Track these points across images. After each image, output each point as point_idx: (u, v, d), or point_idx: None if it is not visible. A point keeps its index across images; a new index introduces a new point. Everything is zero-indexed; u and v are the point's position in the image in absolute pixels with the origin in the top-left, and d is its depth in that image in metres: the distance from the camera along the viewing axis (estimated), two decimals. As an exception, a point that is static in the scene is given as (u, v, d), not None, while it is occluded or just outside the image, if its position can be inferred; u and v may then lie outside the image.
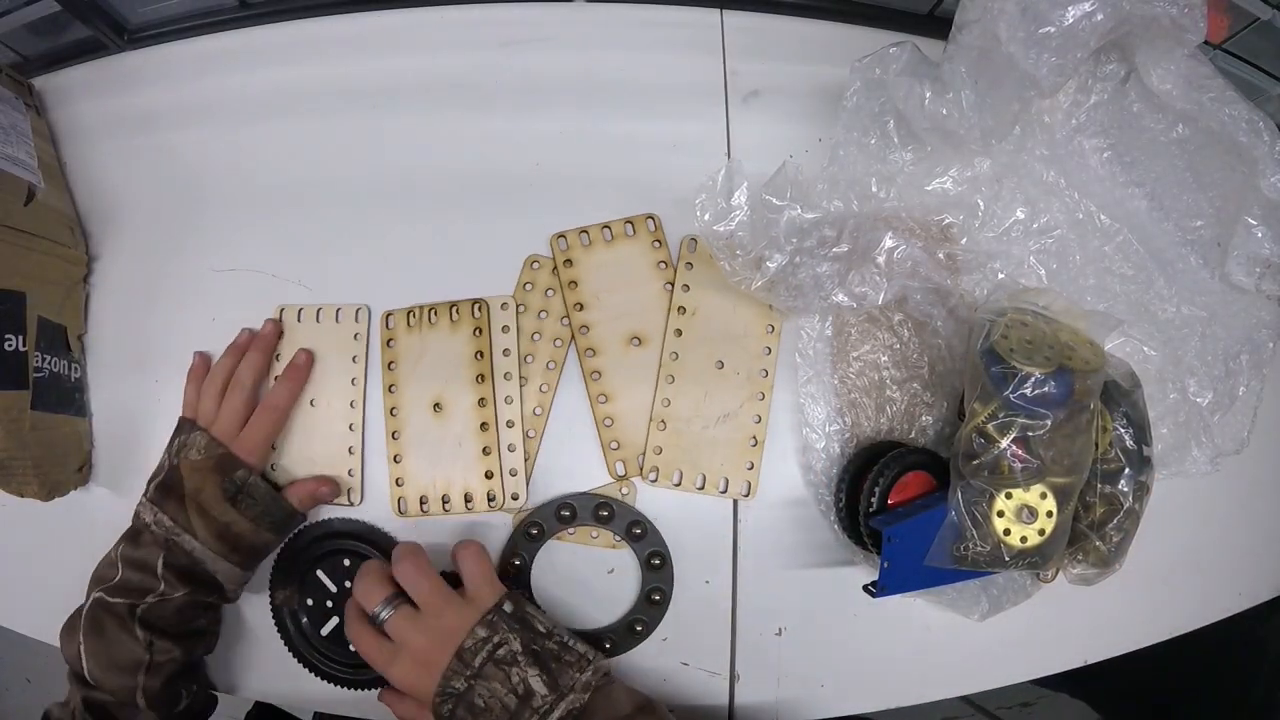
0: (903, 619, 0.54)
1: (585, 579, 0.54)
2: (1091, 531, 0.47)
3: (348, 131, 0.58)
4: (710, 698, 0.54)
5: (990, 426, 0.44)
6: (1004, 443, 0.44)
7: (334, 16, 0.60)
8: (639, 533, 0.53)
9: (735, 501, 0.54)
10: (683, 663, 0.54)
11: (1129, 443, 0.47)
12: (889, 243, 0.49)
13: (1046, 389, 0.43)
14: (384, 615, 0.46)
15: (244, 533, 0.50)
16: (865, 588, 0.47)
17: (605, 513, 0.53)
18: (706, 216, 0.50)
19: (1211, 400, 0.54)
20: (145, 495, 0.51)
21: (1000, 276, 0.53)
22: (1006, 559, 0.44)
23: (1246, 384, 0.54)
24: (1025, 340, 0.45)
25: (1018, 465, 0.44)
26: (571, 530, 0.53)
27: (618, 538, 0.53)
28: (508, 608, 0.46)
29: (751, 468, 0.53)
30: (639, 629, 0.53)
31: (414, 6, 0.60)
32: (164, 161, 0.59)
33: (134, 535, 0.50)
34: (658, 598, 0.53)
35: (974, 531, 0.44)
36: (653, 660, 0.54)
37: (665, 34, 0.59)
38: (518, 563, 0.53)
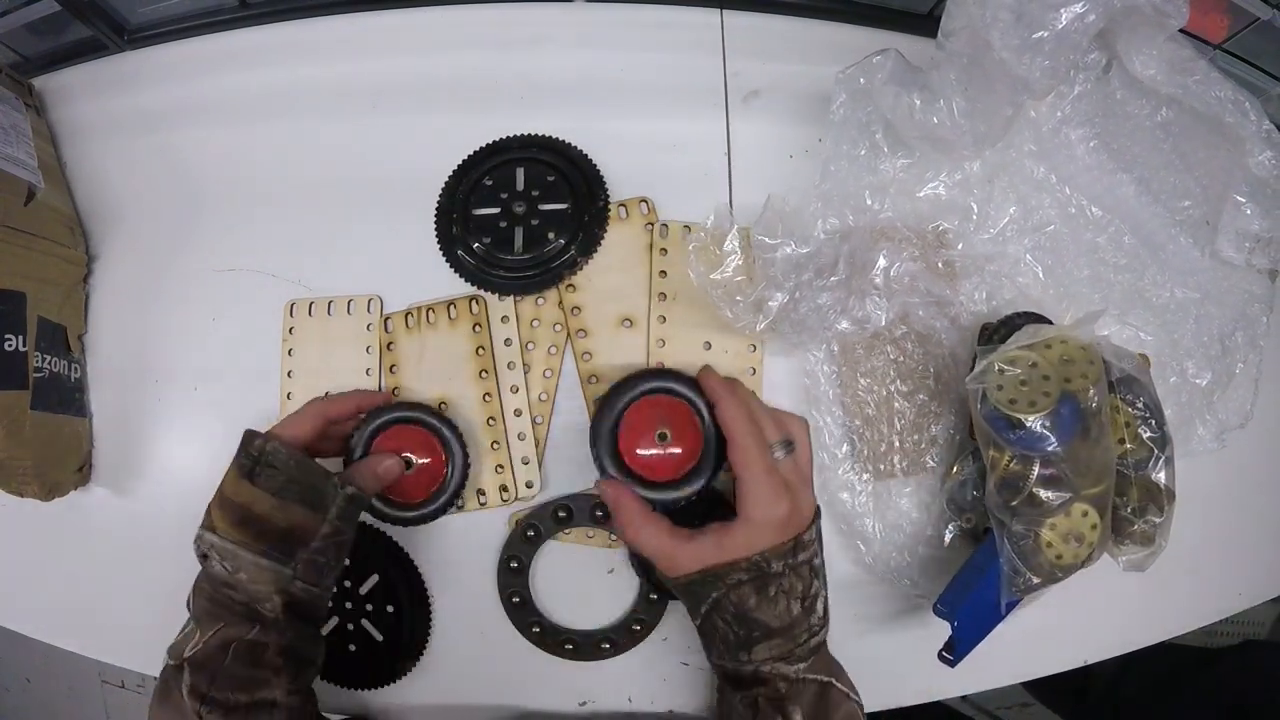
0: (903, 620, 0.54)
1: (584, 579, 0.54)
2: (1136, 518, 0.47)
3: (347, 131, 0.58)
4: (710, 698, 0.54)
5: (1014, 469, 0.45)
6: (1031, 482, 0.44)
7: (334, 16, 0.60)
8: None
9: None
10: (683, 663, 0.54)
11: (1153, 428, 0.47)
12: (883, 262, 0.49)
13: (1055, 422, 0.44)
14: (779, 454, 0.42)
15: (266, 512, 0.42)
16: (941, 656, 0.48)
17: (601, 513, 0.53)
18: (702, 268, 0.50)
19: (1210, 380, 0.54)
20: None
21: (1001, 281, 0.53)
22: (1060, 576, 0.45)
23: (1244, 359, 0.55)
24: (1020, 383, 0.45)
25: (1053, 499, 0.44)
26: (568, 531, 0.53)
27: (614, 537, 0.53)
28: (819, 521, 0.43)
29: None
30: (639, 629, 0.53)
31: (414, 6, 0.60)
32: (164, 161, 0.59)
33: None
34: (657, 597, 0.53)
35: (1027, 572, 0.45)
36: (653, 660, 0.54)
37: (665, 34, 0.59)
38: (516, 565, 0.53)
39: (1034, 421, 0.44)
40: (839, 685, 0.42)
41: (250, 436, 0.44)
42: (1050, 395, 0.44)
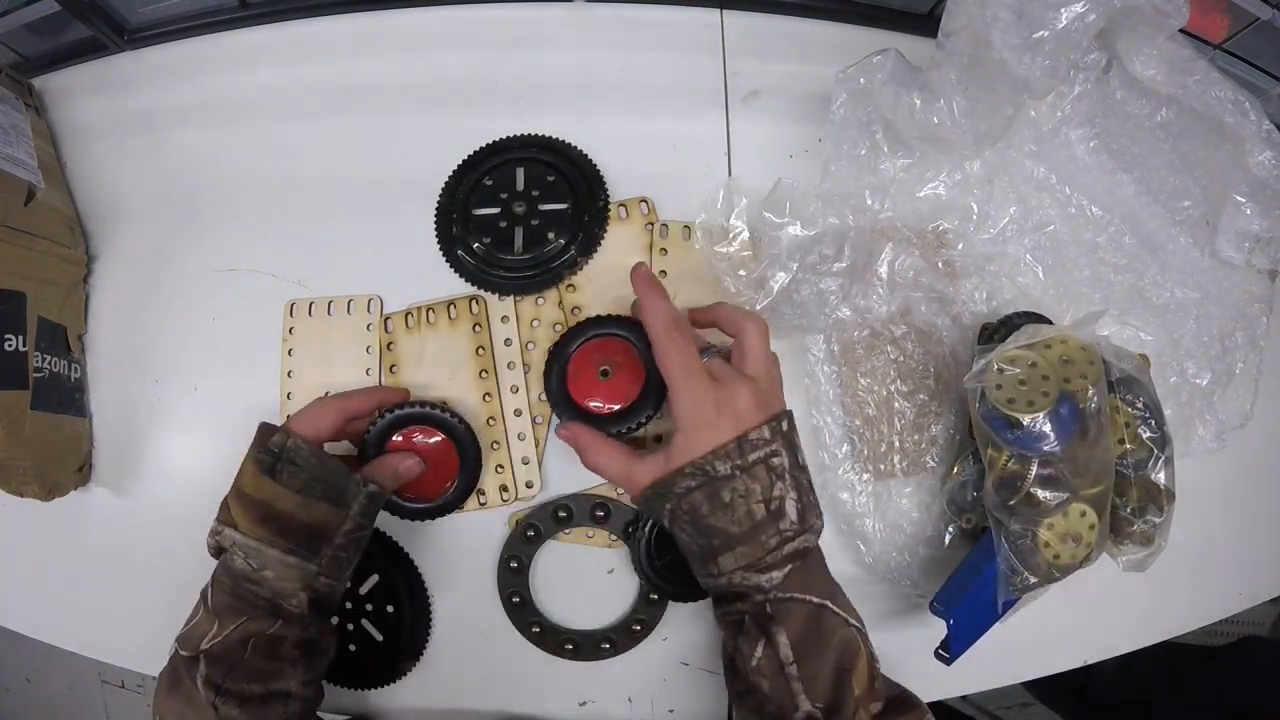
0: (902, 619, 0.54)
1: (584, 579, 0.54)
2: (1136, 518, 0.48)
3: (347, 131, 0.58)
4: (710, 698, 0.54)
5: (1012, 469, 0.45)
6: (1029, 482, 0.44)
7: (334, 16, 0.60)
8: (635, 532, 0.53)
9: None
10: (683, 663, 0.54)
11: (1152, 428, 0.47)
12: (889, 254, 0.49)
13: (1054, 422, 0.44)
14: (704, 358, 0.41)
15: (290, 509, 0.41)
16: (938, 654, 0.48)
17: (602, 513, 0.53)
18: (708, 239, 0.50)
19: (1210, 380, 0.55)
20: None
21: (1001, 281, 0.53)
22: (1057, 576, 0.45)
23: (1244, 359, 0.55)
24: (1019, 383, 0.45)
25: (1050, 499, 0.44)
26: (568, 531, 0.53)
27: (614, 537, 0.53)
28: (785, 425, 0.41)
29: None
30: (639, 629, 0.53)
31: (414, 6, 0.60)
32: (164, 161, 0.59)
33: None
34: (657, 597, 0.53)
35: (1025, 571, 0.45)
36: (653, 660, 0.54)
37: (665, 34, 0.59)
38: (516, 565, 0.53)
39: (1032, 421, 0.44)
40: (834, 608, 0.40)
41: (268, 431, 0.44)
42: (1049, 395, 0.44)
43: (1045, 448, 0.44)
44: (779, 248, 0.48)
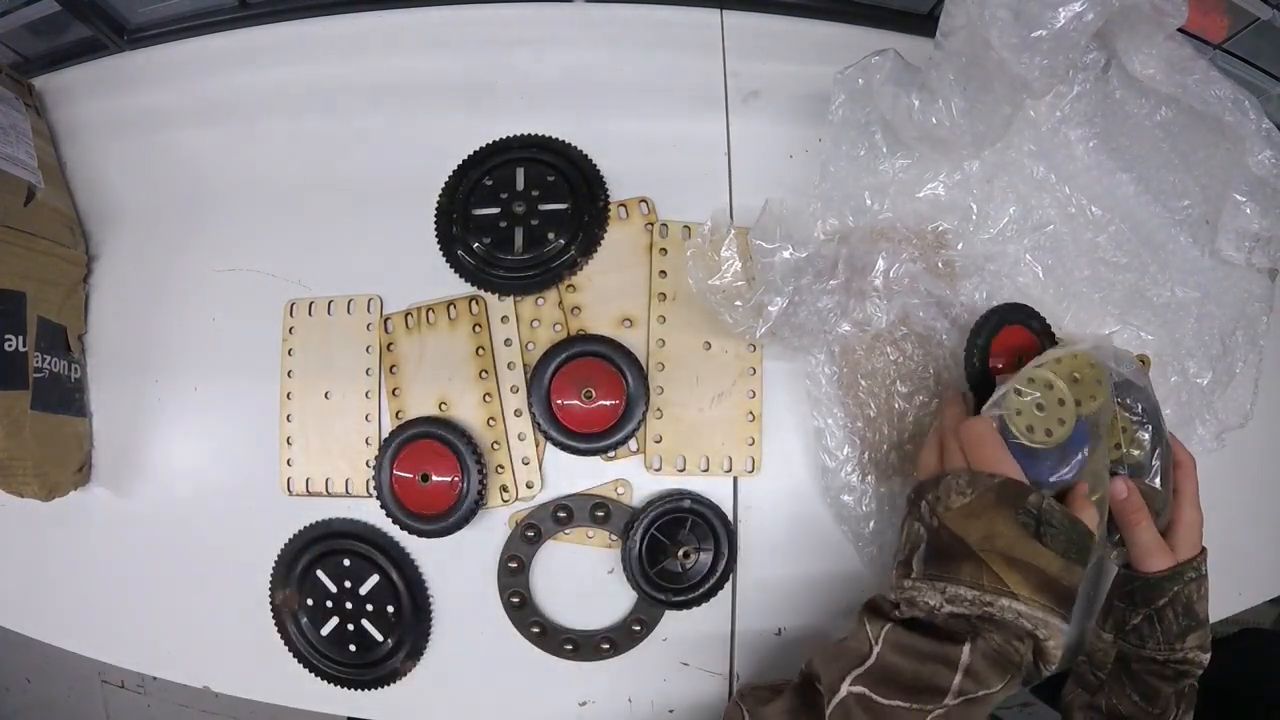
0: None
1: (585, 579, 0.54)
2: None
3: (348, 131, 0.58)
4: (710, 698, 0.54)
5: None
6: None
7: (334, 16, 0.60)
8: (627, 543, 0.53)
9: (734, 500, 0.54)
10: (683, 663, 0.54)
11: (1150, 431, 0.47)
12: (882, 263, 0.49)
13: (1073, 444, 0.43)
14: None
15: (1058, 573, 0.39)
16: None
17: (601, 513, 0.53)
18: (700, 273, 0.50)
19: (1211, 380, 0.55)
20: (902, 580, 0.42)
21: (1001, 281, 0.53)
22: None
23: (1244, 359, 0.55)
24: (1036, 409, 0.43)
25: None
26: (568, 531, 0.53)
27: (614, 537, 0.53)
28: None
29: (752, 443, 0.54)
30: (639, 629, 0.53)
31: (414, 6, 0.60)
32: (164, 161, 0.59)
33: (914, 626, 0.41)
34: (656, 599, 0.53)
35: None
36: (653, 660, 0.54)
37: (665, 34, 0.59)
38: (516, 565, 0.53)
39: (1056, 450, 0.43)
40: None
41: (1013, 490, 0.41)
42: (1066, 423, 0.43)
43: (1069, 476, 0.43)
44: (773, 273, 0.48)
